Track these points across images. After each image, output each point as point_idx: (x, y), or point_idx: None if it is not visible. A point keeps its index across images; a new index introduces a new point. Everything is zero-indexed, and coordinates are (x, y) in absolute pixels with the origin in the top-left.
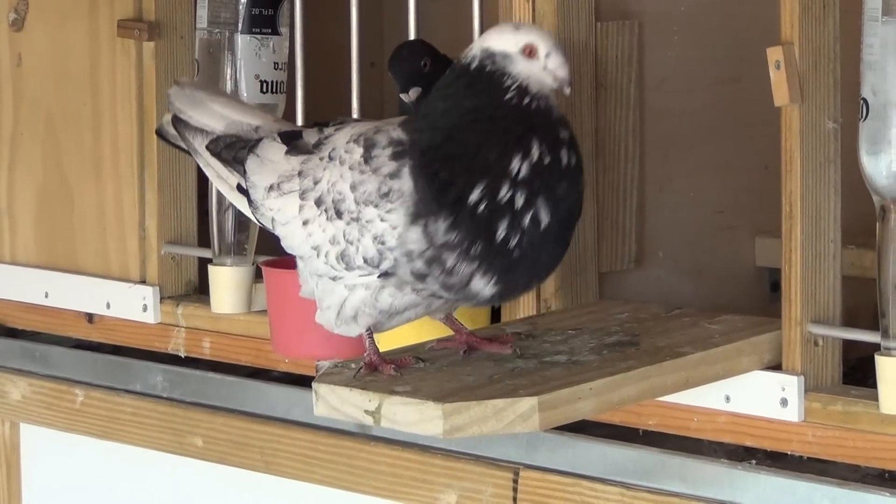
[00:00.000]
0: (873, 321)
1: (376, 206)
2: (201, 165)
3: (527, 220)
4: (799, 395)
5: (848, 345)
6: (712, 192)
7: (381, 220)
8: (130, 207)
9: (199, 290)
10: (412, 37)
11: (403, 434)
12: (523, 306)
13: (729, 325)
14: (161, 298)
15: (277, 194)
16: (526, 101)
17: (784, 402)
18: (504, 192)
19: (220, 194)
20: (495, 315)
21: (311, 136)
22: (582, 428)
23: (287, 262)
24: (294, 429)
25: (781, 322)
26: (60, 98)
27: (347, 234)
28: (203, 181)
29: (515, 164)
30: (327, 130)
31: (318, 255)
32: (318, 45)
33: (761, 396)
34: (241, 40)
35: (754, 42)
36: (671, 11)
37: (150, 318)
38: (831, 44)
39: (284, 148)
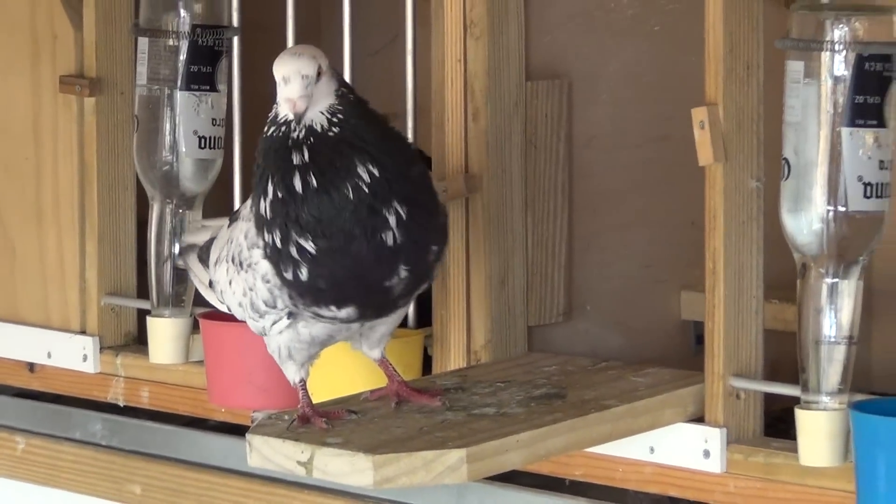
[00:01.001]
0: (794, 374)
1: (258, 247)
2: (195, 284)
3: (293, 251)
4: (721, 446)
5: (769, 398)
6: (640, 247)
7: (264, 258)
8: (71, 258)
9: (138, 341)
10: None
11: (336, 483)
12: (454, 358)
13: (654, 377)
14: (101, 348)
15: (218, 265)
16: (274, 131)
17: (707, 454)
18: (268, 237)
19: (158, 246)
20: (427, 364)
21: (243, 207)
22: (511, 477)
23: (223, 314)
24: (229, 477)
25: (704, 375)
26: (2, 150)
27: (248, 282)
28: (143, 233)
29: (263, 206)
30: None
31: (243, 311)
32: (255, 101)
33: (685, 448)
34: (181, 97)
35: (681, 102)
36: (600, 71)
37: (90, 367)
38: (755, 105)
39: (226, 221)
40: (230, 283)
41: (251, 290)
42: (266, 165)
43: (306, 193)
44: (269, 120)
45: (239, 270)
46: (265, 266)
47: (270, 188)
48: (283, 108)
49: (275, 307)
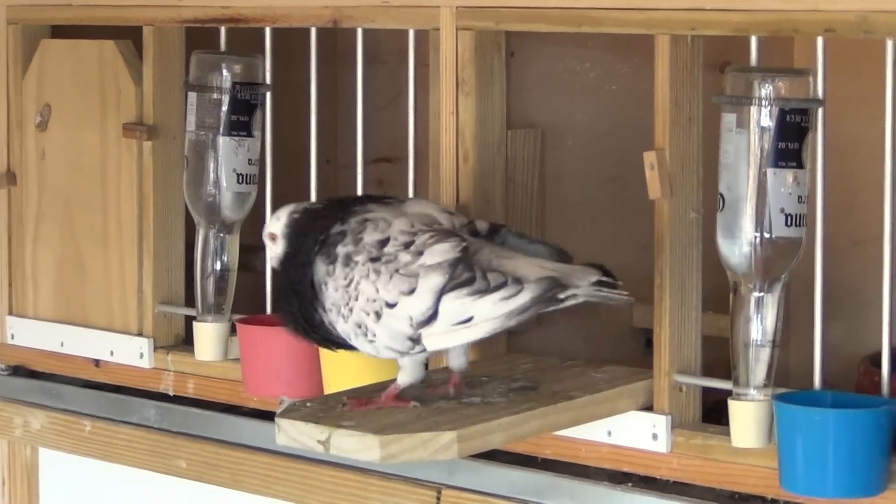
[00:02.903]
0: (727, 371)
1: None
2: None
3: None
4: (667, 430)
5: (706, 391)
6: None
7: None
8: (131, 274)
9: (186, 342)
10: (359, 139)
11: (347, 459)
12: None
13: (612, 374)
14: (155, 348)
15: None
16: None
17: (655, 437)
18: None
19: (203, 264)
20: None
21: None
22: (493, 455)
23: (257, 319)
24: (257, 453)
25: (653, 372)
26: (76, 186)
27: None
28: (190, 253)
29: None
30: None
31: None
32: (284, 145)
33: (637, 432)
34: (223, 141)
35: (634, 147)
36: (567, 122)
37: (145, 363)
38: (695, 149)
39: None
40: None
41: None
42: None
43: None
44: None
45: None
46: None
47: None
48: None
49: None
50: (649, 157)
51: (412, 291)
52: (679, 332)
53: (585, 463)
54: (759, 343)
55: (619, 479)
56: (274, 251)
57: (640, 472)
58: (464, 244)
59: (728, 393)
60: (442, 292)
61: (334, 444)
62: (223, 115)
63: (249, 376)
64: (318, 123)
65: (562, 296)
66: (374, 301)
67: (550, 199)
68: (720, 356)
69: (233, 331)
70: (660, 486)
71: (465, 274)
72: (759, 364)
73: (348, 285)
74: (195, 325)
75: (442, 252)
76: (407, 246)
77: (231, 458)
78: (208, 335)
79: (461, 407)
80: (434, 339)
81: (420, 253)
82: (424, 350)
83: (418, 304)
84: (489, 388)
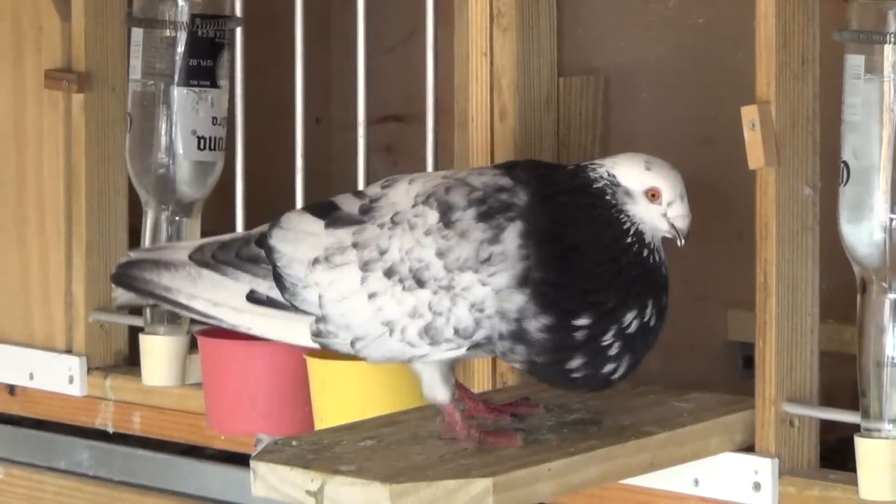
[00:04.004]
0: (853, 400)
1: (476, 271)
2: (175, 306)
3: (608, 367)
4: (773, 478)
5: (826, 425)
6: (681, 260)
7: (483, 284)
8: (56, 271)
9: (130, 361)
10: (361, 91)
11: None
12: (478, 380)
13: (698, 403)
14: (88, 369)
15: (327, 267)
16: (645, 253)
17: (757, 487)
18: (608, 337)
19: None
20: None
21: (350, 205)
22: None
23: (224, 331)
24: None
25: (755, 400)
26: None
27: (434, 305)
28: (135, 243)
29: (629, 318)
30: (370, 193)
31: (390, 333)
32: (260, 99)
33: (733, 480)
34: (178, 93)
35: (729, 100)
36: (639, 66)
37: (76, 390)
38: (810, 103)
39: (319, 220)
40: (370, 297)
41: (436, 314)
42: (643, 290)
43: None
44: (624, 227)
45: (413, 288)
46: (483, 293)
47: (648, 313)
48: (662, 226)
49: (469, 337)
50: (749, 113)
51: None
52: (789, 347)
53: None
54: (895, 361)
55: None
56: None
57: None
58: None
59: (855, 428)
60: None
61: (329, 495)
62: (178, 59)
63: (215, 407)
64: (305, 70)
65: None
66: None
67: None
68: (844, 379)
69: (192, 346)
70: None
71: None
72: (895, 389)
73: None
74: (142, 338)
75: None
76: None
77: None
78: (159, 352)
79: (498, 447)
80: None
81: None
82: None
83: None
84: (536, 421)
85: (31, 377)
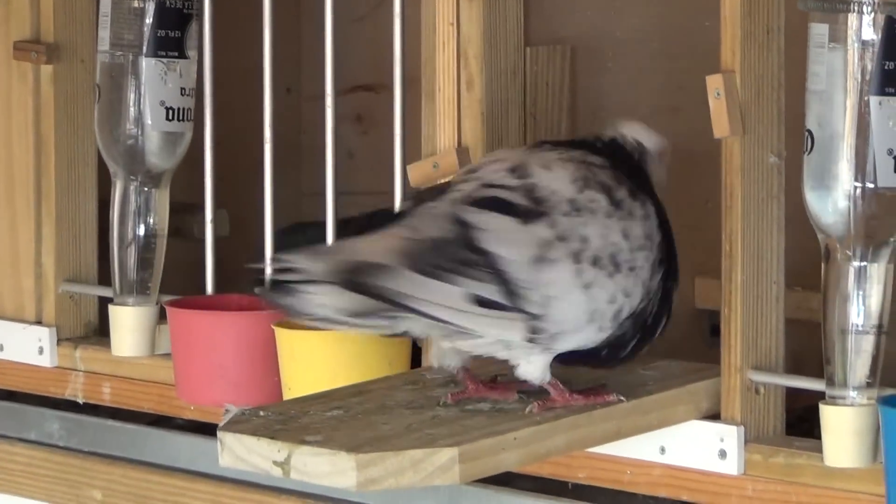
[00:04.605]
0: (819, 367)
1: (649, 249)
2: (406, 311)
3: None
4: (738, 446)
5: (792, 393)
6: None
7: (648, 262)
8: (26, 242)
9: (100, 332)
10: (329, 59)
11: (316, 486)
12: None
13: (664, 371)
14: (58, 340)
15: (546, 265)
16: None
17: (723, 454)
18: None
19: (121, 228)
20: (416, 357)
21: (513, 197)
22: (507, 481)
23: (193, 301)
24: (199, 480)
25: (720, 368)
26: None
27: (627, 288)
28: (105, 214)
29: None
30: (506, 182)
31: (590, 321)
32: (230, 70)
33: (698, 448)
34: (146, 64)
35: (695, 70)
36: (606, 37)
37: (45, 361)
38: (775, 72)
39: (510, 218)
40: (586, 288)
41: (626, 296)
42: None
43: None
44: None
45: (613, 274)
46: (649, 271)
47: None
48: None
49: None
50: (714, 83)
51: None
52: (755, 314)
53: (631, 490)
54: (860, 329)
55: None
56: None
57: (703, 502)
58: None
59: (820, 395)
60: None
61: (296, 465)
62: (147, 30)
63: (184, 377)
64: (275, 40)
65: None
66: None
67: None
68: (810, 347)
69: (162, 317)
70: None
71: None
72: (860, 357)
73: None
74: (111, 309)
75: None
76: None
77: (162, 486)
78: (129, 323)
79: (464, 416)
80: None
81: None
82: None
83: None
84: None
85: (1, 348)
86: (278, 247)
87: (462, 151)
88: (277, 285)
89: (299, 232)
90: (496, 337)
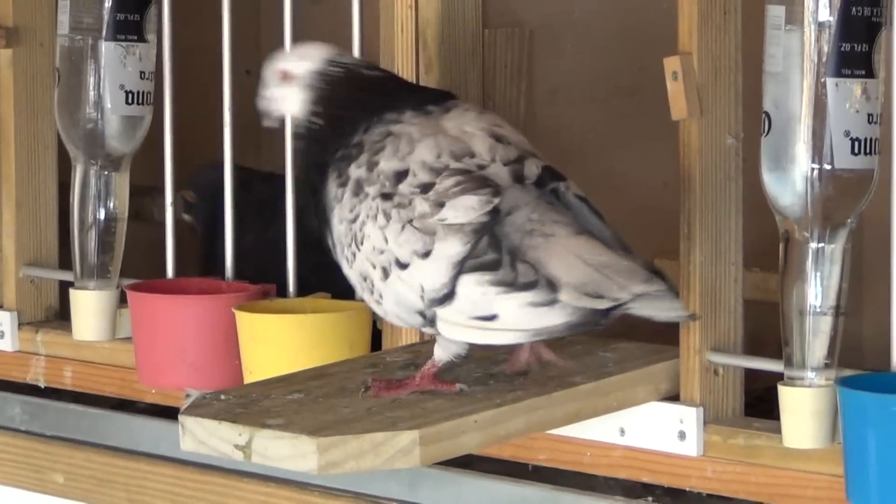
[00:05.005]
0: (777, 348)
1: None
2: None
3: None
4: (698, 427)
5: (751, 374)
6: (608, 210)
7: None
8: None
9: (61, 316)
10: (289, 41)
11: (278, 470)
12: (405, 332)
13: (624, 352)
14: (19, 324)
15: None
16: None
17: (682, 436)
18: None
19: (81, 212)
20: (376, 339)
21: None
22: (468, 463)
23: (153, 285)
24: (161, 464)
25: (679, 350)
26: None
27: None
28: (65, 197)
29: None
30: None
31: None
32: (189, 53)
33: (658, 429)
34: (105, 48)
35: (651, 51)
36: (563, 19)
37: (7, 345)
38: (732, 53)
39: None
40: None
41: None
42: None
43: None
44: None
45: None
46: None
47: None
48: None
49: None
50: (672, 64)
51: (427, 254)
52: (713, 296)
53: (592, 471)
54: (818, 310)
55: (637, 491)
56: (278, 95)
57: (663, 483)
58: (495, 202)
59: (778, 376)
60: (460, 267)
61: (257, 449)
62: (106, 14)
63: (145, 361)
64: (233, 22)
65: (604, 323)
66: (382, 253)
67: (541, 121)
68: (768, 328)
69: (123, 301)
70: (690, 501)
71: (490, 253)
72: (818, 338)
73: (353, 221)
74: (72, 293)
75: (466, 208)
76: (426, 189)
77: (125, 470)
78: (90, 307)
79: (424, 398)
80: (452, 328)
81: (440, 204)
82: (440, 334)
83: (432, 274)
84: (462, 373)
85: None
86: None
87: None
88: None
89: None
90: None
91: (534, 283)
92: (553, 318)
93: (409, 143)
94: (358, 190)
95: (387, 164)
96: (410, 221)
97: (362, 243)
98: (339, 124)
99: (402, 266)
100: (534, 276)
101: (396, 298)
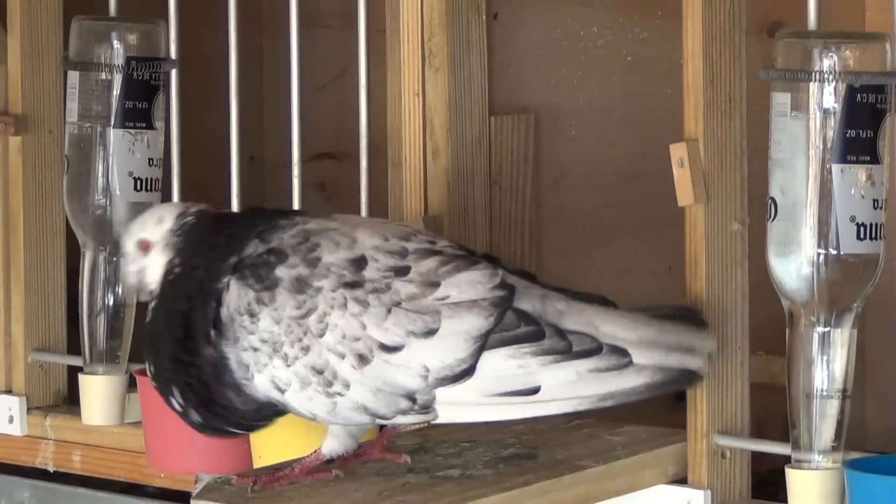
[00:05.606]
0: (784, 431)
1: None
2: None
3: None
4: None
5: (758, 457)
6: (613, 294)
7: None
8: None
9: (69, 401)
10: (295, 129)
11: None
12: None
13: (631, 436)
14: (28, 409)
15: None
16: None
17: None
18: None
19: (90, 297)
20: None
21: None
22: None
23: None
24: None
25: (686, 433)
26: None
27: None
28: (73, 283)
29: None
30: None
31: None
32: (195, 140)
33: None
34: (114, 135)
35: (657, 137)
36: (569, 105)
37: (16, 429)
38: (738, 140)
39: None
40: None
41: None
42: None
43: None
44: None
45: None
46: None
47: None
48: None
49: None
50: (678, 151)
51: (430, 333)
52: (720, 380)
53: None
54: (824, 393)
55: None
56: (143, 265)
57: None
58: (500, 273)
59: (785, 459)
60: (483, 341)
61: None
62: (115, 102)
63: (155, 445)
64: (239, 109)
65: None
66: (358, 340)
67: (548, 206)
68: (774, 411)
69: (132, 385)
70: None
71: (524, 326)
72: (825, 421)
73: (304, 316)
74: (81, 378)
75: (472, 284)
76: (401, 272)
77: None
78: (99, 392)
79: (434, 482)
80: (458, 408)
81: (433, 284)
82: (430, 417)
83: (442, 352)
84: (471, 457)
85: None
86: None
87: (430, 220)
88: None
89: None
90: None
91: (595, 348)
92: (628, 380)
93: (344, 235)
94: (303, 287)
95: (333, 256)
96: (398, 304)
97: (321, 336)
98: (217, 249)
99: (391, 349)
100: (591, 341)
101: (378, 384)
